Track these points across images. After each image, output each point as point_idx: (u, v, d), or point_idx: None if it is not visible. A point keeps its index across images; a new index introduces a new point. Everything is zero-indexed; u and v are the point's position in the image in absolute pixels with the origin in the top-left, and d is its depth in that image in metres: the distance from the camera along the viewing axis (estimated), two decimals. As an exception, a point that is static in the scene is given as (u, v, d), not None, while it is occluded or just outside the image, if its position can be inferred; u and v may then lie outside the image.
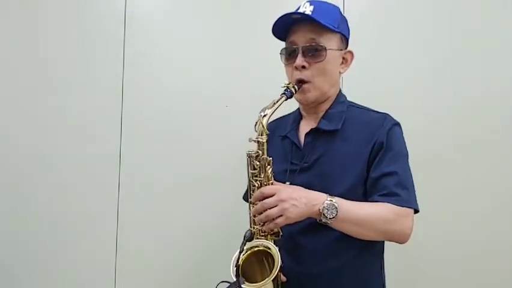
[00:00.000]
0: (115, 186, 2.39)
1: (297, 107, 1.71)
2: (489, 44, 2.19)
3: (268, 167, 1.47)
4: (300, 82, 1.53)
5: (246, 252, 1.46)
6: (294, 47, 1.54)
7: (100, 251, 2.39)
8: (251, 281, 1.41)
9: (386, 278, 1.63)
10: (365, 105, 1.67)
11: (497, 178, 2.18)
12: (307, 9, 1.52)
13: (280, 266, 1.46)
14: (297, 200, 1.36)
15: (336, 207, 1.37)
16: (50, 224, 2.38)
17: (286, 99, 1.50)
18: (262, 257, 1.48)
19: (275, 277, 1.43)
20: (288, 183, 1.52)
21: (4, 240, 2.38)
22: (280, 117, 1.72)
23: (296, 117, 1.69)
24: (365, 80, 2.24)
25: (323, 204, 1.37)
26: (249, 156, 1.47)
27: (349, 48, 1.64)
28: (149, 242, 2.38)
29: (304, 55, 1.52)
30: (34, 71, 2.40)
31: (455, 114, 2.20)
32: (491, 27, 2.20)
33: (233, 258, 1.42)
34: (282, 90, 1.51)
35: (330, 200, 1.37)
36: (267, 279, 1.39)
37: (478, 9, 2.20)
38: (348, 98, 2.20)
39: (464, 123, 2.19)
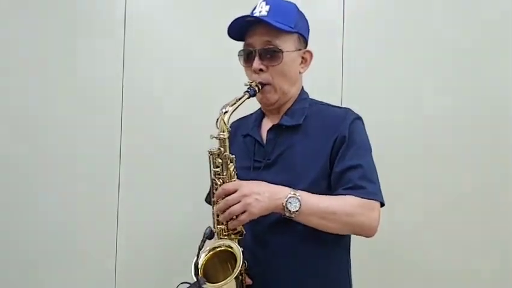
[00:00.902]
0: (115, 186, 2.39)
1: (259, 107, 1.68)
2: (490, 43, 2.18)
3: (231, 164, 1.44)
4: (261, 84, 1.51)
5: (209, 252, 1.43)
6: (251, 49, 1.52)
7: (100, 251, 2.39)
8: (214, 282, 1.38)
9: (352, 275, 1.62)
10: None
11: (489, 178, 2.17)
12: (263, 9, 1.50)
13: (246, 268, 1.44)
14: (260, 195, 1.34)
15: (299, 200, 1.35)
16: (50, 224, 2.40)
17: (249, 97, 1.48)
18: (226, 261, 1.44)
19: (238, 277, 1.39)
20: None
21: (4, 240, 2.41)
22: (243, 117, 1.70)
23: (258, 116, 1.66)
24: (364, 78, 2.24)
25: (285, 197, 1.35)
26: (211, 154, 1.45)
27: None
28: (149, 242, 2.37)
29: (261, 58, 1.50)
30: (34, 71, 2.43)
31: (455, 113, 2.18)
32: (492, 26, 2.18)
33: (194, 259, 1.40)
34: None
35: (293, 194, 1.35)
36: (228, 278, 1.36)
37: (479, 8, 2.19)
38: (347, 97, 2.25)
39: (463, 122, 2.18)
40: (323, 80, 2.26)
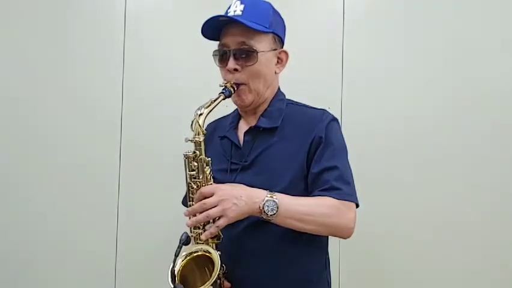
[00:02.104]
0: (115, 186, 2.38)
1: (236, 108, 1.65)
2: (491, 44, 2.16)
3: (207, 167, 1.41)
4: (236, 85, 1.48)
5: (186, 258, 1.39)
6: (225, 49, 1.49)
7: (100, 251, 2.38)
8: None
9: (331, 275, 1.60)
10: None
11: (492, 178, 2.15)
12: (238, 8, 1.47)
13: (224, 272, 1.41)
14: (237, 199, 1.32)
15: (276, 203, 1.33)
16: (50, 224, 2.39)
17: (224, 99, 1.46)
18: (203, 265, 1.41)
19: (216, 281, 1.36)
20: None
21: (4, 240, 2.41)
22: (220, 118, 1.68)
23: (235, 117, 1.63)
24: (364, 78, 2.23)
25: (263, 201, 1.33)
26: (186, 157, 1.41)
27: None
28: (149, 242, 2.36)
29: (235, 58, 1.46)
30: (34, 71, 2.42)
31: (454, 113, 2.17)
32: (492, 27, 2.17)
33: (171, 265, 1.36)
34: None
35: (271, 196, 1.34)
36: (206, 283, 1.32)
37: (479, 8, 2.17)
38: (346, 96, 2.23)
39: (463, 122, 2.16)
40: (323, 80, 2.24)
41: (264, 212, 1.32)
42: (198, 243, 1.42)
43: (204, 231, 1.38)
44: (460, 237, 2.14)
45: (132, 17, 2.39)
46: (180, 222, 2.24)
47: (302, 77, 2.10)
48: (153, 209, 2.36)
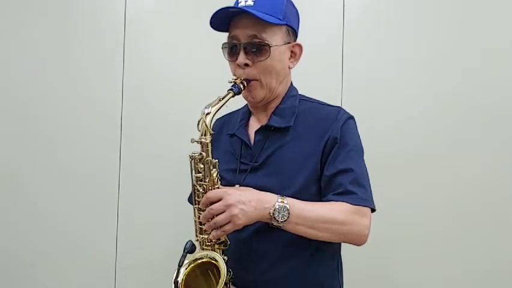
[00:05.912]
0: (115, 186, 2.28)
1: (246, 103, 1.51)
2: (489, 44, 2.08)
3: (214, 170, 1.27)
4: (246, 80, 1.34)
5: (190, 265, 1.27)
6: (235, 42, 1.34)
7: (100, 251, 2.28)
8: None
9: (344, 280, 1.47)
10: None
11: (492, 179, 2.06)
12: None
13: (231, 277, 1.29)
14: (246, 204, 1.19)
15: (287, 209, 1.20)
16: (50, 224, 2.29)
17: (233, 96, 1.31)
18: (207, 271, 1.29)
19: None
20: (237, 185, 1.35)
21: (4, 239, 2.31)
22: (228, 113, 1.53)
23: (245, 114, 1.49)
24: (364, 78, 2.13)
25: (273, 206, 1.20)
26: (192, 158, 1.28)
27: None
28: (149, 243, 2.26)
29: (246, 52, 1.32)
30: (34, 71, 2.31)
31: (454, 113, 2.08)
32: (492, 27, 2.08)
33: (174, 274, 1.25)
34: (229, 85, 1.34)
35: (282, 202, 1.21)
36: None
37: (478, 8, 2.08)
38: (346, 96, 2.15)
39: (463, 122, 2.08)
40: (323, 79, 2.16)
41: (275, 218, 1.20)
42: (203, 248, 1.30)
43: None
44: (461, 237, 2.07)
45: (132, 17, 2.29)
46: (180, 222, 2.15)
47: (302, 76, 1.98)
48: (153, 209, 2.26)
